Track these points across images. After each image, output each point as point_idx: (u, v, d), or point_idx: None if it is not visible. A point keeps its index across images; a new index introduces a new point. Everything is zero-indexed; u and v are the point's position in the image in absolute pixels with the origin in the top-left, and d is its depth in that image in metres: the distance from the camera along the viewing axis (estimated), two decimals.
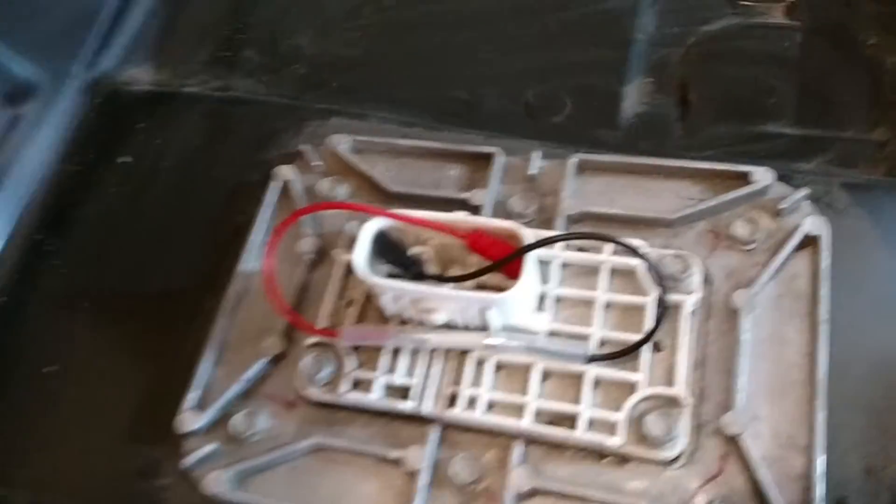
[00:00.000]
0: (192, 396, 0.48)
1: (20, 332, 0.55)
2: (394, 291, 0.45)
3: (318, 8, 0.69)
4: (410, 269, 0.46)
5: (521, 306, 0.45)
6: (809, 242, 0.47)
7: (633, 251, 0.43)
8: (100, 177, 0.61)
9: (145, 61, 0.68)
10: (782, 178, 0.50)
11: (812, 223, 0.47)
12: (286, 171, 0.56)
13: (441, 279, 0.46)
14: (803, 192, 0.48)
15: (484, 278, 0.46)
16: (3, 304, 0.56)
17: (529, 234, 0.44)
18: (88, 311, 0.55)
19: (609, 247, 0.48)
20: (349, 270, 0.50)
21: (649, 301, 0.45)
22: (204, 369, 0.49)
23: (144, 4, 0.69)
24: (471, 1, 0.67)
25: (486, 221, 0.46)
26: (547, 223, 0.51)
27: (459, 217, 0.46)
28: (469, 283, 0.46)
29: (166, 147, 0.61)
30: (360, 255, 0.45)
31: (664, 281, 0.45)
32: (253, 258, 0.53)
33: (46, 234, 0.59)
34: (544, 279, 0.48)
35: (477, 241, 0.45)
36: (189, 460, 0.46)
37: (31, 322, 0.56)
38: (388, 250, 0.47)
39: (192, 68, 0.67)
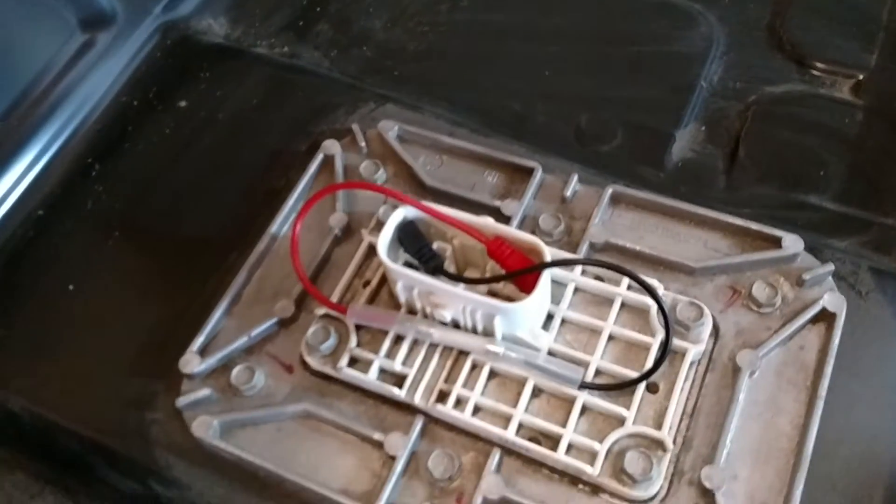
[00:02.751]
0: (199, 340, 0.50)
1: (51, 247, 0.57)
2: (407, 280, 0.46)
3: None
4: (429, 262, 0.47)
5: (527, 320, 0.46)
6: (825, 318, 0.47)
7: (649, 290, 0.43)
8: (156, 116, 0.63)
9: (222, 14, 0.70)
10: (812, 250, 0.50)
11: (831, 299, 0.47)
12: (332, 146, 0.57)
13: (456, 278, 0.47)
14: (829, 266, 0.48)
15: (497, 286, 0.47)
16: (40, 216, 0.59)
17: (549, 252, 0.44)
18: (118, 240, 0.57)
19: (626, 281, 0.48)
20: (372, 251, 0.52)
21: (655, 342, 0.46)
22: (216, 317, 0.50)
23: None
24: (543, 17, 0.68)
25: (510, 231, 0.46)
26: (571, 246, 0.52)
27: (486, 221, 0.47)
28: (482, 287, 0.47)
29: (224, 100, 0.63)
30: (385, 238, 0.46)
31: (673, 325, 0.45)
32: (284, 222, 0.54)
33: (95, 159, 0.61)
34: (556, 299, 0.48)
35: (497, 248, 0.46)
36: (183, 400, 0.48)
37: (63, 239, 0.58)
38: (412, 240, 0.48)
39: (265, 31, 0.69)
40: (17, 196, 0.59)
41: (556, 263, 0.44)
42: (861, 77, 0.62)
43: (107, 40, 0.65)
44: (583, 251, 0.51)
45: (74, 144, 0.62)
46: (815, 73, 0.63)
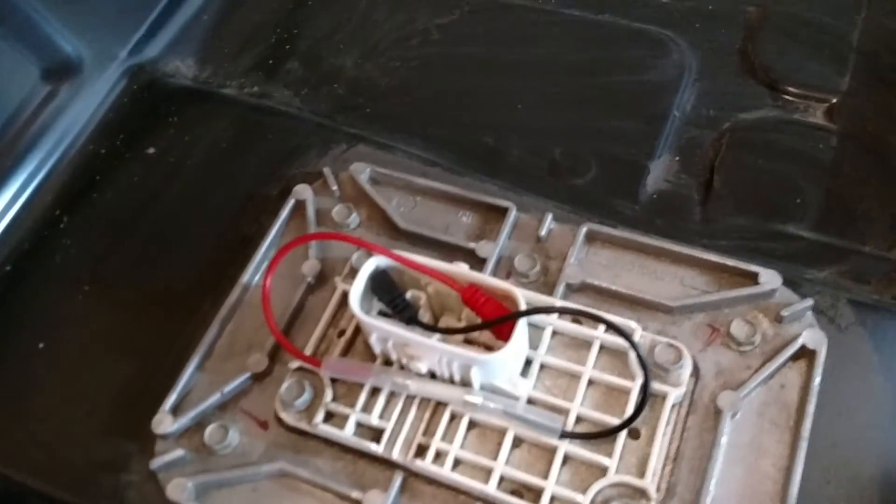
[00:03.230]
0: (171, 398, 0.49)
1: (20, 304, 0.56)
2: (381, 332, 0.45)
3: (368, 31, 0.70)
4: (403, 312, 0.46)
5: (505, 369, 0.45)
6: (805, 354, 0.47)
7: (626, 337, 0.42)
8: (125, 164, 0.62)
9: (190, 55, 0.69)
10: (791, 282, 0.49)
11: (811, 336, 0.46)
12: (303, 190, 0.56)
13: (430, 328, 0.46)
14: (808, 302, 0.48)
15: (473, 334, 0.47)
16: (7, 272, 0.58)
17: (523, 300, 0.44)
18: (88, 295, 0.56)
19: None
20: (346, 299, 0.51)
21: (635, 386, 0.45)
22: (188, 373, 0.49)
23: (197, 1, 0.70)
24: (515, 50, 0.67)
25: (484, 279, 0.46)
26: (547, 286, 0.51)
27: (459, 269, 0.46)
28: (458, 336, 0.46)
29: (193, 145, 0.62)
30: (357, 289, 0.45)
31: (652, 370, 0.44)
32: (256, 271, 0.54)
33: (63, 211, 0.60)
34: (533, 344, 0.47)
35: (472, 295, 0.45)
36: (157, 462, 0.47)
37: (32, 295, 0.57)
38: (385, 289, 0.47)
39: (234, 70, 0.68)
40: None
41: (531, 312, 0.43)
42: (834, 101, 0.61)
43: (73, 88, 0.64)
44: (559, 292, 0.50)
45: (41, 196, 0.61)
46: (788, 97, 0.62)
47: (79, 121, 0.63)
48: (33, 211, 0.60)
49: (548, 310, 0.45)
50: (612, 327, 0.43)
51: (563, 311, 0.46)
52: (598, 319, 0.44)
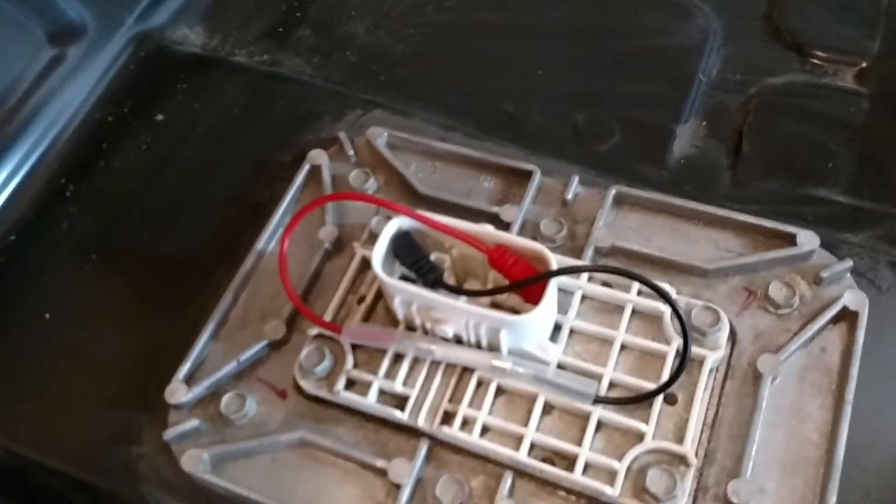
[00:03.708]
0: (185, 368, 0.47)
1: (25, 273, 0.54)
2: (405, 295, 0.43)
3: None
4: (428, 275, 0.44)
5: (534, 333, 0.43)
6: (846, 317, 0.45)
7: (663, 295, 0.40)
8: (132, 131, 0.60)
9: (198, 23, 0.67)
10: (827, 246, 0.48)
11: (852, 297, 0.45)
12: (318, 156, 0.54)
13: (456, 291, 0.44)
14: (847, 263, 0.46)
15: (500, 297, 0.45)
16: (12, 241, 0.55)
17: (555, 260, 0.42)
18: (96, 264, 0.54)
19: (636, 286, 0.46)
20: (365, 265, 0.49)
21: (670, 350, 0.43)
22: (202, 342, 0.48)
23: None
24: (533, 14, 0.65)
25: (512, 239, 0.44)
26: (575, 251, 0.49)
27: (486, 229, 0.45)
28: (484, 299, 0.44)
29: (203, 112, 0.60)
30: (379, 251, 0.43)
31: (690, 332, 0.43)
32: (271, 238, 0.52)
33: (69, 179, 0.58)
34: (562, 309, 0.45)
35: (500, 257, 0.43)
36: (170, 433, 0.45)
37: (38, 265, 0.55)
38: (408, 252, 0.45)
39: (243, 38, 0.66)
40: None
41: (563, 272, 0.42)
42: (864, 64, 0.60)
43: (78, 54, 0.62)
44: (588, 256, 0.48)
45: (47, 164, 0.58)
46: (816, 62, 0.61)
47: (85, 87, 0.61)
48: (38, 179, 0.58)
49: (580, 268, 0.43)
50: (648, 284, 0.41)
51: (597, 270, 0.44)
52: (633, 277, 0.42)
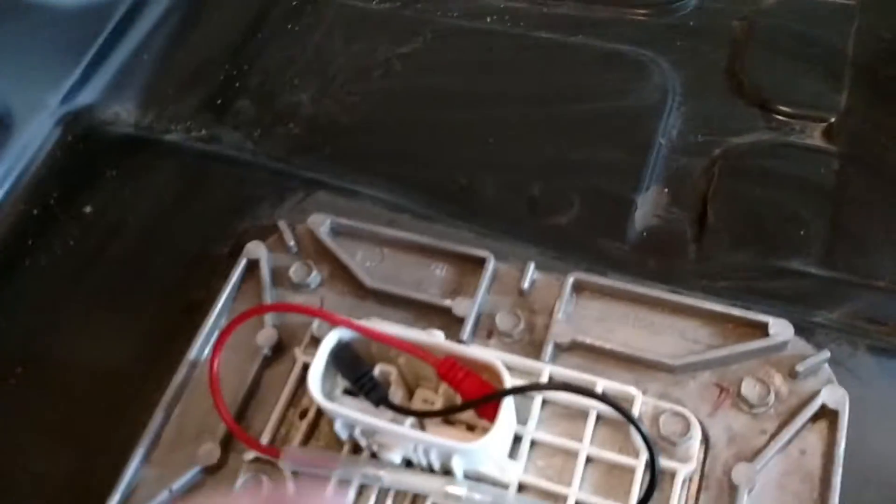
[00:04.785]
0: (115, 499, 0.43)
1: None
2: (346, 419, 0.39)
3: (324, 64, 0.65)
4: (371, 393, 0.40)
5: (491, 454, 0.39)
6: (826, 415, 0.41)
7: (626, 415, 0.37)
8: (59, 225, 0.56)
9: (130, 99, 0.63)
10: (802, 329, 0.44)
11: (831, 394, 0.41)
12: (256, 248, 0.50)
13: (403, 411, 0.40)
14: (825, 354, 0.43)
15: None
16: None
17: (507, 375, 0.38)
18: (21, 378, 0.50)
19: (599, 390, 0.42)
20: (307, 375, 0.45)
21: (639, 464, 0.40)
22: (132, 469, 0.43)
23: (136, 38, 0.65)
24: (485, 80, 0.62)
25: (462, 350, 0.40)
26: (534, 346, 0.46)
27: (434, 339, 0.41)
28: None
29: (134, 201, 0.56)
30: (316, 369, 0.40)
31: (659, 442, 0.39)
32: (205, 344, 0.48)
33: None
34: (522, 417, 0.42)
35: (449, 370, 0.39)
36: None
37: None
38: (350, 367, 0.41)
39: (180, 113, 0.63)
40: None
41: (516, 391, 0.38)
42: (832, 119, 0.57)
43: (0, 142, 0.57)
44: (547, 353, 0.45)
45: None
46: (781, 118, 0.58)
47: (8, 179, 0.57)
48: None
49: (535, 387, 0.39)
50: (608, 404, 0.37)
51: (553, 389, 0.41)
52: (593, 396, 0.38)
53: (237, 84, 0.64)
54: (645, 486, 0.38)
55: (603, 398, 0.38)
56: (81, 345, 0.51)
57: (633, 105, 0.59)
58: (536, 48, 0.63)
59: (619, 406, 0.37)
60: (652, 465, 0.37)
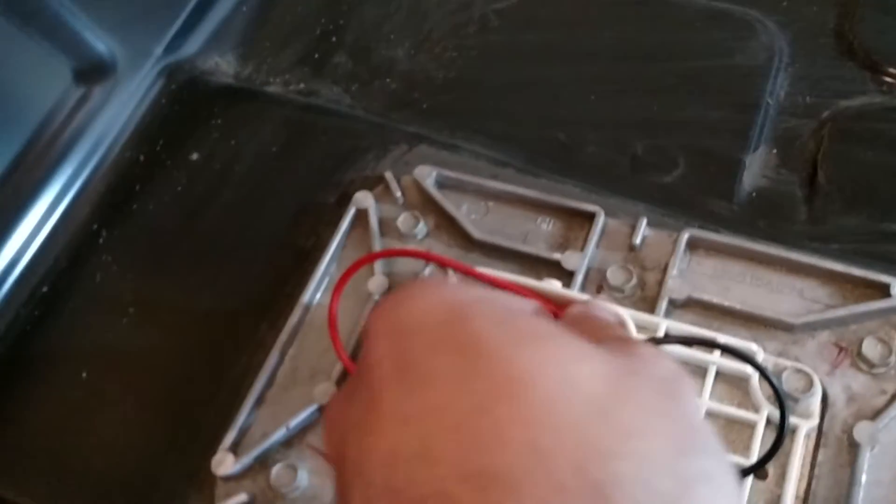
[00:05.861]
0: (231, 435, 0.44)
1: (60, 329, 0.51)
2: None
3: (420, 19, 0.64)
4: None
5: None
6: None
7: (753, 364, 0.37)
8: (166, 171, 0.57)
9: (229, 51, 0.64)
10: None
11: None
12: (364, 198, 0.51)
13: None
14: None
15: None
16: (45, 293, 0.53)
17: (633, 325, 0.38)
18: (133, 318, 0.51)
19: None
20: None
21: (759, 419, 0.40)
22: (248, 407, 0.45)
23: None
24: (585, 35, 0.61)
25: (585, 300, 0.40)
26: (647, 303, 0.46)
27: (551, 287, 0.41)
28: None
29: (240, 149, 0.57)
30: None
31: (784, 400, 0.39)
32: (317, 289, 0.48)
33: (101, 225, 0.55)
34: None
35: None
36: None
37: (73, 319, 0.52)
38: None
39: (277, 66, 0.63)
40: (19, 272, 0.53)
41: (654, 341, 0.38)
42: None
43: (107, 90, 0.58)
44: (662, 309, 0.45)
45: (78, 210, 0.55)
46: (892, 81, 0.56)
47: (114, 126, 0.58)
48: (70, 225, 0.55)
49: (660, 340, 0.39)
50: (734, 355, 0.37)
51: (676, 342, 0.41)
52: (717, 346, 0.38)
53: (333, 39, 0.64)
54: (769, 442, 0.38)
55: (733, 350, 0.37)
56: (191, 289, 0.52)
57: (739, 64, 0.58)
58: (640, 4, 0.62)
59: (750, 358, 0.37)
60: (782, 418, 0.37)
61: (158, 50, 0.61)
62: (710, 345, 0.39)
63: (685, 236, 0.46)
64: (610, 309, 0.35)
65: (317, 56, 0.63)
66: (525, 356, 0.25)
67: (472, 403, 0.23)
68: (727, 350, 0.38)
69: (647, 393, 0.25)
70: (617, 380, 0.25)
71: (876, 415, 0.40)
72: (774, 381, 0.35)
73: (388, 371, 0.26)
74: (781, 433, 0.37)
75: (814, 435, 0.41)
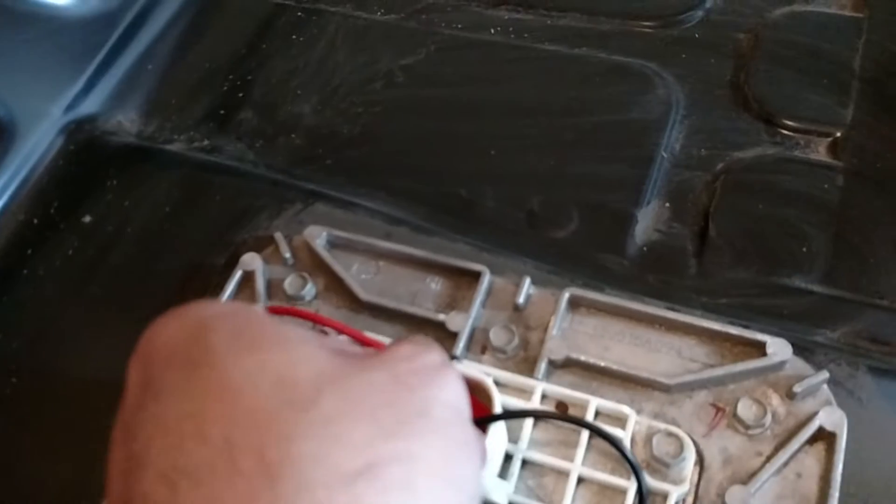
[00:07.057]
0: None
1: None
2: None
3: (328, 74, 0.65)
4: None
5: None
6: (823, 437, 0.41)
7: (611, 443, 0.37)
8: (59, 235, 0.56)
9: (133, 109, 0.63)
10: (802, 348, 0.43)
11: (829, 416, 0.40)
12: (251, 260, 0.50)
13: None
14: (823, 375, 0.42)
15: None
16: None
17: (498, 397, 0.38)
18: (17, 388, 0.50)
19: (593, 407, 0.42)
20: None
21: (631, 486, 0.39)
22: None
23: (140, 48, 0.65)
24: (488, 91, 0.61)
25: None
26: (528, 363, 0.45)
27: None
28: None
29: (134, 211, 0.56)
30: None
31: (651, 465, 0.39)
32: None
33: None
34: (513, 436, 0.41)
35: None
36: None
37: None
38: None
39: (183, 123, 0.63)
40: None
41: (502, 417, 0.38)
42: (837, 135, 0.56)
43: (2, 151, 0.58)
44: (541, 370, 0.44)
45: None
46: (786, 132, 0.57)
47: (9, 188, 0.57)
48: None
49: (522, 414, 0.39)
50: (599, 434, 0.37)
51: (541, 416, 0.40)
52: (583, 425, 0.38)
53: (240, 95, 0.64)
54: None
55: (590, 426, 0.37)
56: (79, 356, 0.51)
57: (636, 118, 0.58)
58: (540, 60, 0.62)
59: (607, 434, 0.37)
60: (640, 490, 0.36)
61: (58, 110, 0.61)
62: (574, 422, 0.39)
63: (566, 295, 0.46)
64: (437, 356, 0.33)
65: (223, 112, 0.63)
66: (242, 363, 0.26)
67: (185, 410, 0.25)
68: (591, 429, 0.38)
69: (371, 386, 0.27)
70: (337, 376, 0.27)
71: (749, 478, 0.40)
72: (628, 455, 0.35)
73: (133, 392, 0.29)
74: (643, 497, 0.37)
75: (690, 500, 0.40)
